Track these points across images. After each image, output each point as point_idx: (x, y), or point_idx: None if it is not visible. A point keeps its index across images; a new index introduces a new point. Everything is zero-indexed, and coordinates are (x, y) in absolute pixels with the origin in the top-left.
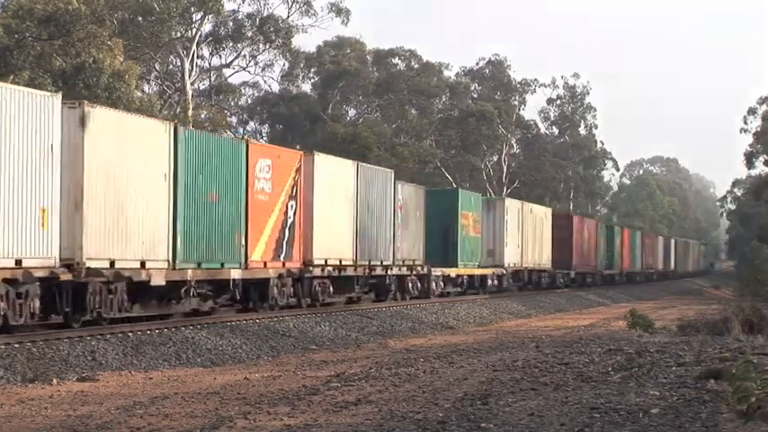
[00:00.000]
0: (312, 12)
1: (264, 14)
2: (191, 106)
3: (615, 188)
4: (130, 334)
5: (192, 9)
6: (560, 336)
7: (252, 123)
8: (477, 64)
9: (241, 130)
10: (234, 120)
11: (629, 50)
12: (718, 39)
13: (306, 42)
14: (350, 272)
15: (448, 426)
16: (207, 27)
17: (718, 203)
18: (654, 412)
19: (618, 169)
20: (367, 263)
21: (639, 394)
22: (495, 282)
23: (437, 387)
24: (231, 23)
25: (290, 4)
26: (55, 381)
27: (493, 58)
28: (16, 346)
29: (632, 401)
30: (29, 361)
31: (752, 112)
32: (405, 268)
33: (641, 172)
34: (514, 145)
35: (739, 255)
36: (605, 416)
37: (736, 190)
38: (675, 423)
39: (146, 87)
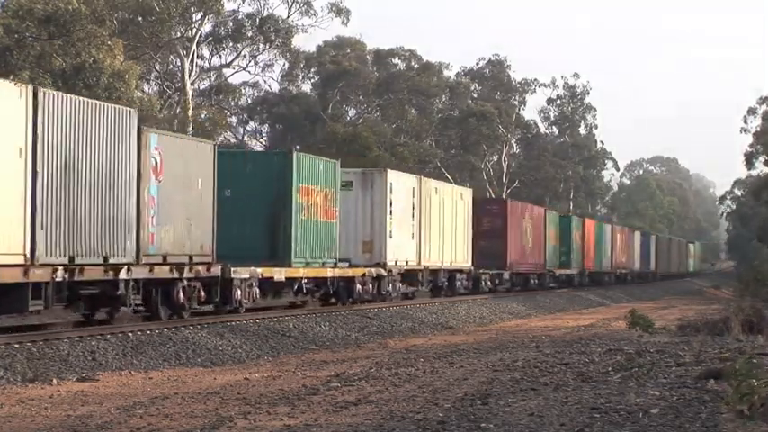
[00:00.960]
0: (312, 12)
1: (264, 14)
2: (191, 106)
3: (615, 188)
4: (130, 334)
5: (192, 9)
6: (560, 336)
7: (252, 123)
8: (477, 64)
9: (241, 130)
10: (234, 120)
11: (629, 50)
12: (718, 39)
13: (306, 42)
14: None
15: (448, 426)
16: (207, 27)
17: (717, 204)
18: (654, 412)
19: (618, 169)
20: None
21: (639, 394)
22: (370, 287)
23: (437, 387)
24: (231, 23)
25: (290, 4)
26: (55, 381)
27: (493, 58)
28: (16, 346)
29: (632, 401)
30: (29, 361)
31: (752, 112)
32: (167, 268)
33: (641, 172)
34: (514, 145)
35: (739, 255)
36: (605, 416)
37: (735, 190)
38: (675, 423)
39: (146, 87)
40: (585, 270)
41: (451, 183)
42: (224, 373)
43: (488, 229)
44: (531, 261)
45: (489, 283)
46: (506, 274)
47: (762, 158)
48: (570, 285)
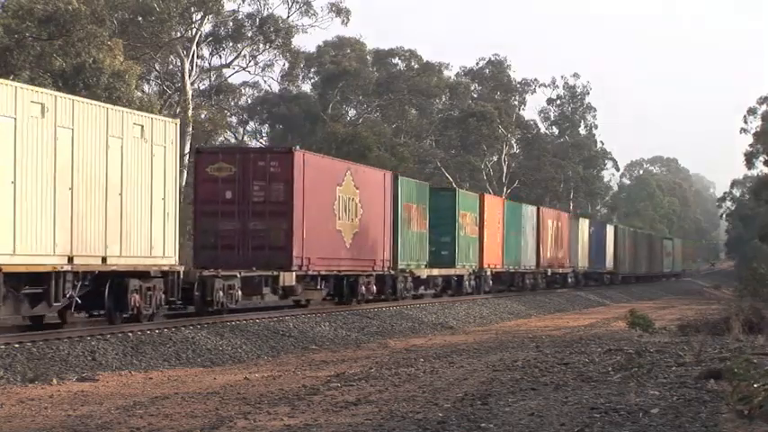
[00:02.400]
0: (312, 12)
1: (264, 14)
2: (191, 106)
3: (615, 188)
4: (130, 334)
5: (192, 9)
6: (560, 336)
7: (252, 123)
8: (477, 64)
9: (241, 130)
10: (234, 120)
11: (629, 50)
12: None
13: (306, 42)
14: None
15: (448, 426)
16: (207, 27)
17: (717, 204)
18: (654, 412)
19: (618, 169)
20: None
21: (639, 394)
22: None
23: (437, 387)
24: (231, 23)
25: (290, 4)
26: (55, 381)
27: (493, 58)
28: (16, 346)
29: (632, 401)
30: (29, 361)
31: (752, 112)
32: None
33: (641, 172)
34: (514, 145)
35: (739, 255)
36: (605, 416)
37: (735, 190)
38: (675, 423)
39: (146, 87)
40: (486, 270)
41: (451, 183)
42: (224, 373)
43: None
44: (356, 257)
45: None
46: (289, 278)
47: (762, 158)
48: (458, 293)
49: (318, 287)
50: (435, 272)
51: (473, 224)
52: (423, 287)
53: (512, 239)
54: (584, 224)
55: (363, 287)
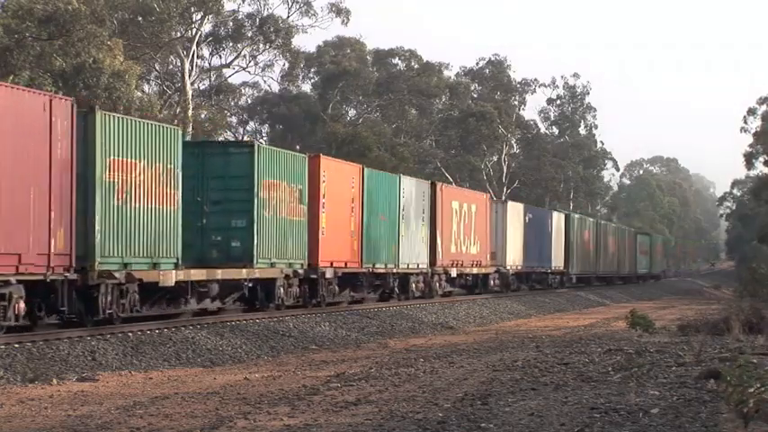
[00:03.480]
0: (312, 12)
1: (264, 14)
2: (191, 106)
3: (615, 188)
4: (130, 334)
5: (192, 9)
6: (560, 336)
7: (252, 123)
8: (477, 64)
9: (241, 130)
10: (234, 120)
11: (629, 49)
12: (718, 39)
13: (306, 42)
14: None
15: (448, 426)
16: (207, 27)
17: (717, 204)
18: (654, 412)
19: (618, 169)
20: None
21: (639, 394)
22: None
23: (437, 387)
24: (231, 23)
25: (290, 4)
26: (55, 381)
27: (493, 58)
28: (16, 346)
29: (632, 401)
30: (29, 361)
31: (752, 112)
32: None
33: (641, 172)
34: (514, 145)
35: (739, 255)
36: (605, 416)
37: (735, 190)
38: (675, 423)
39: (146, 87)
40: (326, 269)
41: (451, 183)
42: (224, 373)
43: None
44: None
45: None
46: None
47: (762, 158)
48: (255, 307)
49: None
50: (201, 274)
51: (295, 201)
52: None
53: (379, 227)
54: (515, 210)
55: None
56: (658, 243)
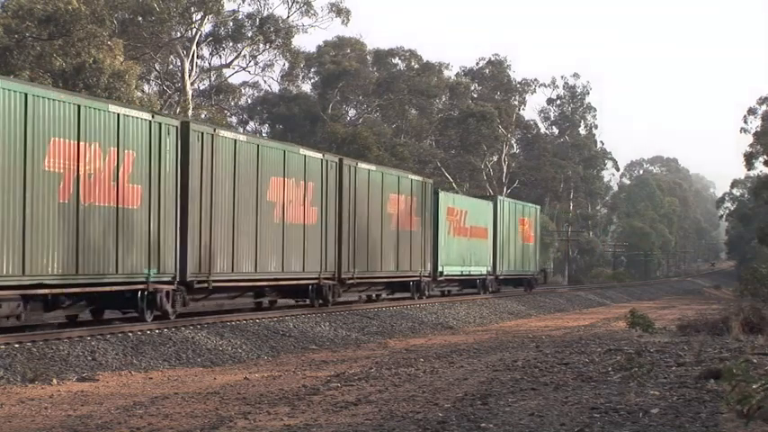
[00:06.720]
0: (312, 12)
1: (264, 14)
2: (191, 106)
3: (615, 188)
4: (130, 334)
5: (192, 9)
6: (560, 336)
7: (252, 123)
8: (477, 64)
9: (241, 130)
10: (234, 120)
11: (629, 49)
12: (718, 39)
13: (306, 42)
14: None
15: (448, 426)
16: (207, 27)
17: (717, 204)
18: (654, 412)
19: (618, 169)
20: None
21: (639, 394)
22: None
23: (437, 387)
24: (231, 23)
25: (290, 4)
26: (55, 381)
27: (493, 58)
28: (16, 346)
29: (632, 401)
30: (29, 361)
31: (752, 112)
32: None
33: (641, 172)
34: (514, 145)
35: (739, 255)
36: (605, 416)
37: (735, 190)
38: (675, 423)
39: (146, 87)
40: None
41: (451, 182)
42: (224, 373)
43: None
44: None
45: None
46: None
47: (762, 158)
48: None
49: None
50: None
51: None
52: None
53: None
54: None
55: None
56: (530, 215)
